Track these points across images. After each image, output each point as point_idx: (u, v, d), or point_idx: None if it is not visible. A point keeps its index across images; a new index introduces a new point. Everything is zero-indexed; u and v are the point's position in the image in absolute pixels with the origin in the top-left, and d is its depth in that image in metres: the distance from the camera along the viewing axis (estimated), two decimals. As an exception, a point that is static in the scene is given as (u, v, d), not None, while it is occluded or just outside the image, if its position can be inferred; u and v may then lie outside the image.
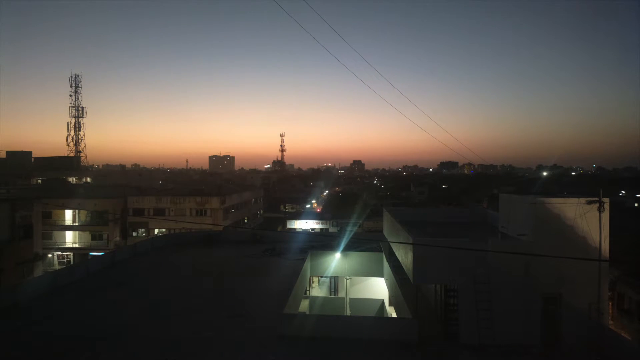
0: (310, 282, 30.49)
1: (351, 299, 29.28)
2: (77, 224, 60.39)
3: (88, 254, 53.55)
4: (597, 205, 16.40)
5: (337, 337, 15.63)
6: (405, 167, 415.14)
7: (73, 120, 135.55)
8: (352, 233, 36.28)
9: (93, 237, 60.11)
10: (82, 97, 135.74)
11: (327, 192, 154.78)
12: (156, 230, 61.90)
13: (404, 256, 19.24)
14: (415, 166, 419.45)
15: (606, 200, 16.48)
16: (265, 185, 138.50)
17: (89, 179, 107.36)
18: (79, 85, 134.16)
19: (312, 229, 72.11)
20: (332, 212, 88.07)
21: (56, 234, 59.19)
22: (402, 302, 20.79)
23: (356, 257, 28.93)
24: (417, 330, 16.04)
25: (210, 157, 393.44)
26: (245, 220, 75.91)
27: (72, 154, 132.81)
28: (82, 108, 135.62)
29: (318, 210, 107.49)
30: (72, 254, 59.12)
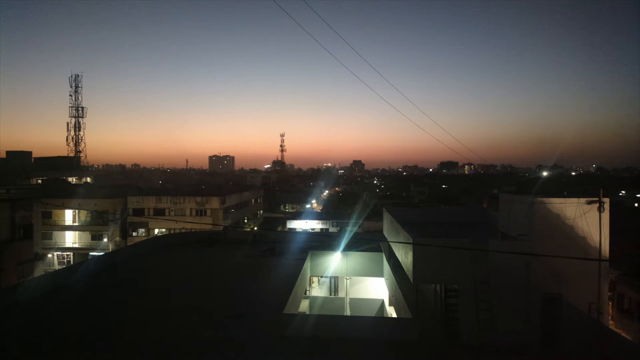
0: (310, 282, 30.49)
1: (351, 299, 29.27)
2: (77, 224, 60.37)
3: (88, 254, 53.53)
4: (597, 205, 16.42)
5: (337, 337, 15.62)
6: (405, 167, 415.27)
7: (73, 120, 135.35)
8: (352, 233, 36.27)
9: (93, 237, 60.09)
10: (82, 97, 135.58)
11: (327, 192, 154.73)
12: (156, 230, 61.90)
13: (404, 256, 19.24)
14: (415, 166, 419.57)
15: (606, 200, 16.50)
16: (265, 185, 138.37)
17: (89, 179, 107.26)
18: (79, 85, 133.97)
19: (312, 229, 72.01)
20: (332, 212, 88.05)
21: (56, 234, 59.17)
22: (402, 302, 20.79)
23: (356, 257, 28.93)
24: (417, 330, 16.04)
25: (210, 157, 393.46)
26: (245, 220, 75.92)
27: (72, 154, 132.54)
28: (82, 108, 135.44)
29: (318, 210, 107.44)
30: (72, 254, 59.12)
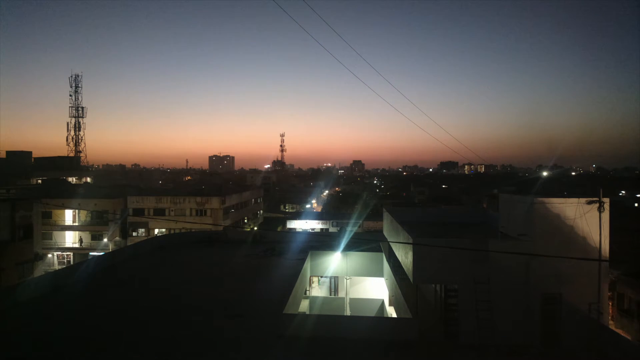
0: (310, 282, 30.48)
1: (351, 299, 29.27)
2: (77, 224, 60.36)
3: (88, 254, 53.52)
4: (597, 205, 16.41)
5: (337, 337, 15.62)
6: (405, 167, 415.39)
7: (73, 120, 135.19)
8: (352, 233, 36.26)
9: (93, 237, 60.07)
10: (82, 97, 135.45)
11: (327, 192, 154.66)
12: (156, 230, 61.89)
13: (404, 256, 19.24)
14: (415, 166, 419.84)
15: (606, 200, 16.49)
16: (265, 185, 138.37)
17: (89, 179, 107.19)
18: (79, 85, 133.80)
19: (312, 229, 71.97)
20: (332, 212, 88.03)
21: (56, 234, 59.14)
22: (402, 302, 20.78)
23: (356, 257, 28.92)
24: (417, 330, 16.03)
25: (210, 157, 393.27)
26: (245, 220, 75.91)
27: (72, 154, 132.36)
28: (82, 108, 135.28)
29: (318, 210, 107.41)
30: (72, 254, 59.10)
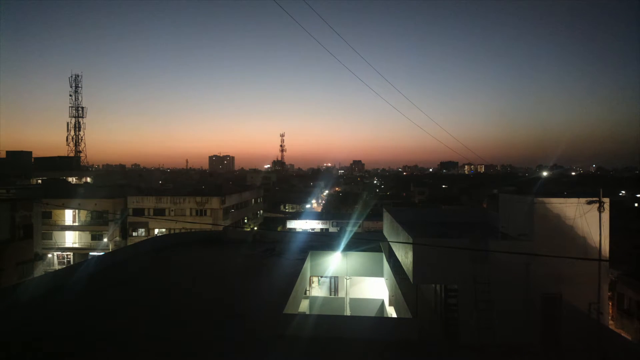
0: (310, 282, 30.49)
1: (351, 299, 29.28)
2: (77, 224, 60.37)
3: (88, 254, 53.52)
4: (597, 205, 16.41)
5: (337, 337, 15.61)
6: (405, 167, 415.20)
7: (73, 120, 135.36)
8: (352, 233, 36.27)
9: (93, 237, 60.09)
10: (82, 97, 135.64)
11: (327, 192, 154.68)
12: (156, 230, 61.89)
13: (404, 256, 19.24)
14: (415, 166, 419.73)
15: (606, 200, 16.49)
16: (265, 185, 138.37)
17: (89, 179, 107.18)
18: (79, 85, 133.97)
19: (312, 229, 71.96)
20: (332, 212, 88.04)
21: (56, 234, 59.15)
22: (402, 302, 20.79)
23: (356, 257, 28.93)
24: (417, 330, 16.03)
25: (210, 157, 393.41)
26: (245, 220, 75.93)
27: (72, 154, 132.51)
28: (82, 108, 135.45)
29: (318, 210, 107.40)
30: (72, 254, 59.12)
